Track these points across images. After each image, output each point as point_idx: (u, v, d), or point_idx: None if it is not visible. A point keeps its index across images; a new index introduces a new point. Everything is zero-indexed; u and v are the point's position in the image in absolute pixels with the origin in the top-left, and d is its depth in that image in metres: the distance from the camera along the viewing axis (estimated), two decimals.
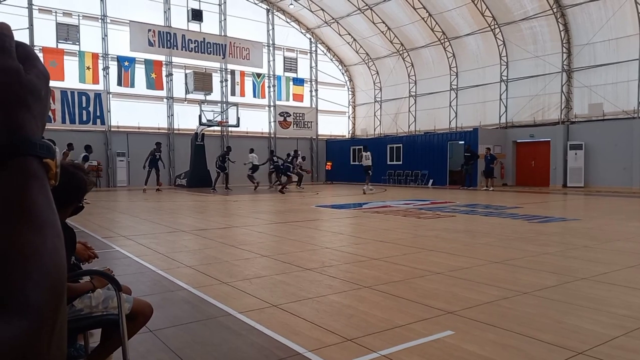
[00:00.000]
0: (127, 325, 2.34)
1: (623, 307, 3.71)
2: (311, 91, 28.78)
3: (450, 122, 25.01)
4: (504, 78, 22.73)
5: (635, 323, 3.30)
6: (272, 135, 27.06)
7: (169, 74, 23.46)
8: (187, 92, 23.43)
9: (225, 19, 24.97)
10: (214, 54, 24.35)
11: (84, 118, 21.30)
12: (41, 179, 0.49)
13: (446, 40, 24.37)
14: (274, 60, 26.93)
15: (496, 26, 22.19)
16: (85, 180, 2.34)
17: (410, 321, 3.37)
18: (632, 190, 17.87)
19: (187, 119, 23.38)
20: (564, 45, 20.40)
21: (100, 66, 21.65)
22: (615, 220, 9.37)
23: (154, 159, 18.81)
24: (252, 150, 21.01)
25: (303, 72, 28.40)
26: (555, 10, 20.01)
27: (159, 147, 19.22)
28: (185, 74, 23.55)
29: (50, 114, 16.94)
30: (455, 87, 24.81)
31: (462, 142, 21.87)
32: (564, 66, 20.52)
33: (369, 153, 18.67)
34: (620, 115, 18.96)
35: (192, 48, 23.70)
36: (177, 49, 23.26)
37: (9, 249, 0.44)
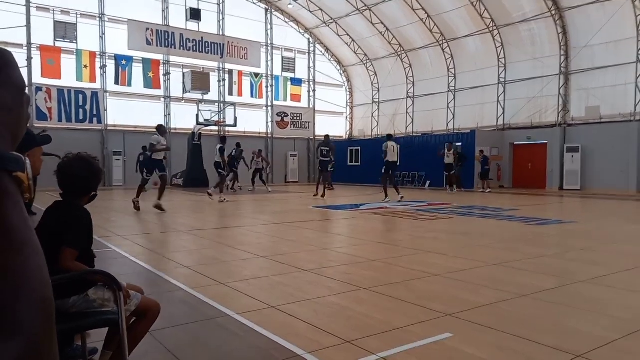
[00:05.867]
0: (136, 322, 2.40)
1: (622, 309, 3.70)
2: (309, 91, 28.77)
3: (447, 124, 25.04)
4: (502, 80, 22.77)
5: (635, 325, 3.29)
6: (270, 136, 27.03)
7: (167, 73, 23.40)
8: (184, 91, 23.37)
9: (223, 19, 24.94)
10: (211, 54, 24.30)
11: (81, 117, 21.22)
12: (13, 195, 0.46)
13: (445, 41, 24.40)
14: (272, 60, 26.90)
15: (495, 28, 22.23)
16: (101, 170, 2.49)
17: (409, 323, 3.35)
18: (628, 193, 17.92)
19: (184, 118, 23.32)
20: (562, 47, 20.46)
21: (98, 65, 21.58)
22: (612, 222, 9.39)
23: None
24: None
25: (301, 72, 28.39)
26: (553, 12, 20.07)
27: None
28: (183, 73, 23.49)
29: (46, 112, 16.40)
30: (453, 88, 24.84)
31: (460, 143, 21.90)
32: (562, 68, 20.57)
33: (394, 144, 14.62)
34: (617, 118, 19.01)
35: (190, 47, 23.64)
36: (174, 48, 23.20)
37: None
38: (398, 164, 14.72)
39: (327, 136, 16.41)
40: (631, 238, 7.36)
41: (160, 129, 11.52)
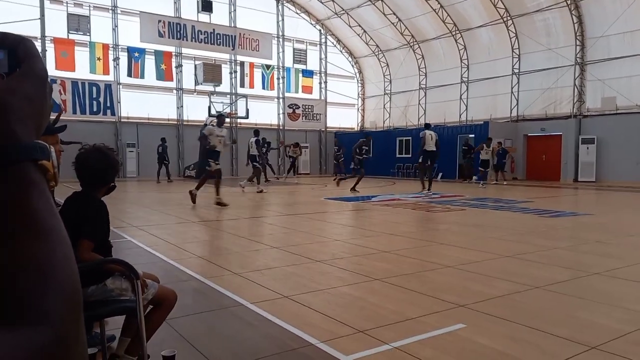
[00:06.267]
0: (153, 311, 2.44)
1: (637, 302, 3.68)
2: (320, 83, 28.68)
3: (460, 115, 24.83)
4: (516, 71, 22.49)
5: None
6: (281, 127, 27.05)
7: (179, 65, 23.48)
8: (196, 83, 23.46)
9: (235, 10, 24.90)
10: (223, 45, 24.30)
11: (95, 109, 21.42)
12: (39, 183, 0.47)
13: (457, 32, 24.13)
14: (283, 51, 26.84)
15: (509, 18, 21.92)
16: (117, 161, 2.51)
17: (422, 314, 3.37)
18: None
19: (196, 110, 23.42)
20: (578, 37, 20.13)
21: (111, 57, 21.71)
22: (627, 215, 9.28)
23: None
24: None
25: (312, 63, 28.29)
26: (569, 2, 19.72)
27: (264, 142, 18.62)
28: (195, 65, 23.57)
29: (61, 104, 16.52)
30: (466, 79, 24.60)
31: (473, 135, 21.73)
32: (577, 59, 20.26)
33: (433, 133, 13.76)
34: (634, 110, 18.70)
35: (201, 39, 23.68)
36: (186, 40, 23.25)
37: (17, 262, 0.43)
38: (437, 153, 13.69)
39: (369, 136, 15.91)
40: None
41: (219, 120, 10.71)
